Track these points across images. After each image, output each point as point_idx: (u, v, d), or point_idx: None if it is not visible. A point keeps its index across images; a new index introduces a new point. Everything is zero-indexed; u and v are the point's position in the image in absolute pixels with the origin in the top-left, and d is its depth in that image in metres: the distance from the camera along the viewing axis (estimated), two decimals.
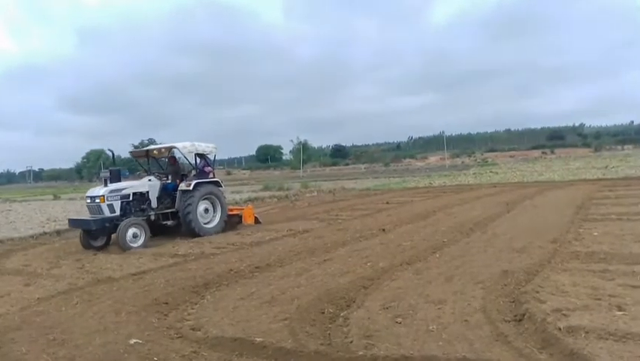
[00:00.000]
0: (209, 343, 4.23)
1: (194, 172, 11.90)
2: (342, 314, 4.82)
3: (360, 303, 5.10)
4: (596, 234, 8.32)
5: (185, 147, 11.49)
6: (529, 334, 3.99)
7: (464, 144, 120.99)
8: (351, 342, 4.03)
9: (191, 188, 11.07)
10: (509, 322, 4.31)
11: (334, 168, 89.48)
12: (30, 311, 5.56)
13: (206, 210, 11.53)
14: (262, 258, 7.95)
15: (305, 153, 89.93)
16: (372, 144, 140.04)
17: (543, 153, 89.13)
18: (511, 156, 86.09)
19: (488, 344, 3.82)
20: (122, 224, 9.79)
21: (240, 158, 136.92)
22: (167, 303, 5.57)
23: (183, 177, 11.92)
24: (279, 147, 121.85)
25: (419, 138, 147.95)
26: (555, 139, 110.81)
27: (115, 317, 5.14)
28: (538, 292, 4.98)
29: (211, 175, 12.09)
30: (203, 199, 11.34)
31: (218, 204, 11.82)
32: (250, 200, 21.77)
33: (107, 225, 10.01)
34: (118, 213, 10.25)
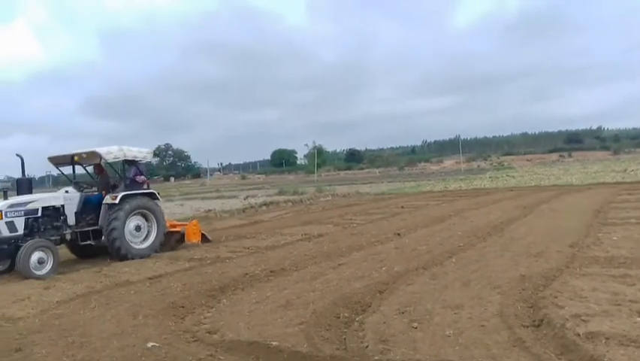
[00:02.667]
0: (225, 346, 4.26)
1: (123, 183, 10.05)
2: (357, 319, 4.81)
3: (375, 308, 5.09)
4: (615, 238, 8.18)
5: (111, 153, 9.64)
6: (547, 339, 3.94)
7: (480, 148, 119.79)
8: (367, 347, 4.02)
9: (117, 201, 9.24)
10: (527, 327, 4.26)
11: (349, 172, 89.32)
12: (50, 314, 5.66)
13: (138, 228, 9.64)
14: (277, 262, 7.97)
15: (319, 158, 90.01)
16: (387, 148, 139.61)
17: (560, 156, 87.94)
18: (527, 160, 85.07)
19: (506, 350, 3.77)
20: (24, 247, 7.98)
21: (255, 162, 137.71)
22: (183, 307, 5.62)
23: (114, 188, 10.04)
24: (294, 152, 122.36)
25: (434, 141, 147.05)
26: (572, 142, 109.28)
27: (132, 320, 5.21)
28: (556, 297, 4.91)
29: (145, 186, 10.34)
30: (134, 215, 9.55)
31: (153, 221, 9.91)
32: (265, 204, 21.84)
33: (6, 247, 8.25)
34: (21, 232, 8.43)
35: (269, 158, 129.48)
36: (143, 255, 9.42)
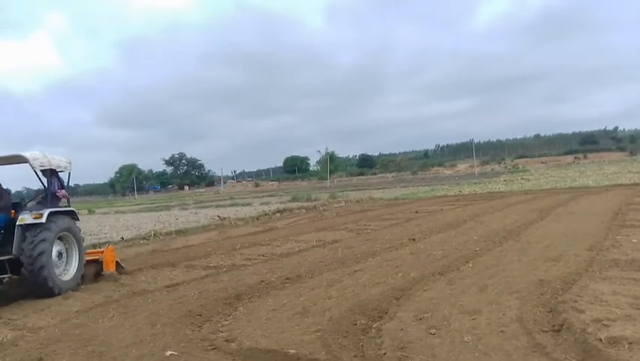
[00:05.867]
0: (243, 354, 4.26)
1: (39, 197, 8.31)
2: (374, 326, 4.79)
3: (392, 314, 5.06)
4: (635, 241, 8.05)
5: (37, 159, 7.72)
6: (568, 345, 3.88)
7: (493, 151, 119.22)
8: (385, 354, 4.00)
9: (43, 220, 7.19)
10: (547, 332, 4.21)
11: (361, 177, 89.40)
12: (69, 324, 5.72)
13: (60, 256, 7.62)
14: (292, 269, 7.98)
15: (332, 164, 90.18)
16: (399, 153, 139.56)
17: (576, 158, 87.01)
18: (542, 162, 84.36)
19: (526, 356, 3.73)
20: None
21: (268, 169, 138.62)
22: (200, 315, 5.65)
23: (16, 206, 7.82)
24: (306, 158, 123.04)
25: (447, 145, 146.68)
26: (588, 143, 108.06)
27: (150, 328, 5.24)
28: (576, 301, 4.84)
29: (65, 201, 8.45)
30: (57, 239, 7.54)
31: (74, 246, 7.92)
32: (279, 211, 21.89)
33: None
34: None
35: (281, 165, 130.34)
36: (71, 288, 7.52)
